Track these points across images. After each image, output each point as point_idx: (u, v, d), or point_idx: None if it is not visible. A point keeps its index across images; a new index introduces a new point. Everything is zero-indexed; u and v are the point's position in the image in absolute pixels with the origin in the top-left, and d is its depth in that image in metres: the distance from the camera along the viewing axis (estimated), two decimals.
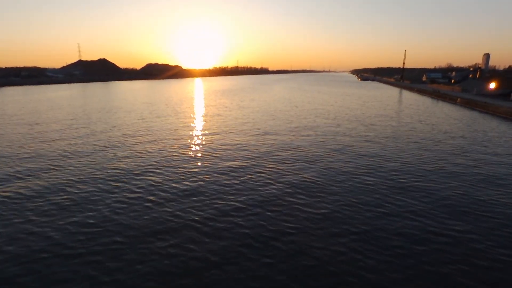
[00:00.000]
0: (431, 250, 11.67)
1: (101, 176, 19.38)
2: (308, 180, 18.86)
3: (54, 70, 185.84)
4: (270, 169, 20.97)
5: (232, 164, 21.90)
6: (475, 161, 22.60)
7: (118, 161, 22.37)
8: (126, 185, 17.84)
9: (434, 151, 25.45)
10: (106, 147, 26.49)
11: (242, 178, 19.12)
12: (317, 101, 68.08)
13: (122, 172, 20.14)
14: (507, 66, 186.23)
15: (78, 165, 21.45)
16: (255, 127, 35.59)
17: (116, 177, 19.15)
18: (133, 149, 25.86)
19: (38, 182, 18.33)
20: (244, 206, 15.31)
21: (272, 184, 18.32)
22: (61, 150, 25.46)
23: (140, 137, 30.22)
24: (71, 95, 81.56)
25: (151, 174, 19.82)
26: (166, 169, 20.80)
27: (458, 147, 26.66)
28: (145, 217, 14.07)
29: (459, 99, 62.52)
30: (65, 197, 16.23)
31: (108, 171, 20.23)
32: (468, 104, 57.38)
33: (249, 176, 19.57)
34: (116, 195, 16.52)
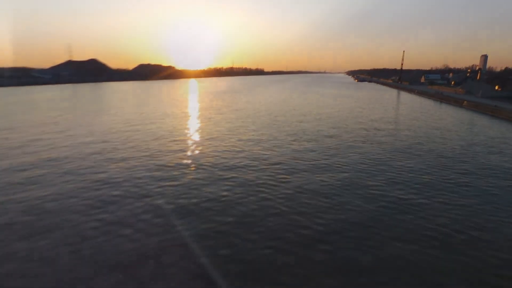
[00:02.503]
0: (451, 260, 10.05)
1: (77, 190, 15.57)
2: (310, 189, 15.63)
3: (41, 71, 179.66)
4: (268, 177, 18.07)
5: (225, 173, 18.39)
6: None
7: (97, 171, 18.53)
8: (108, 196, 14.04)
9: (456, 161, 22.08)
10: (85, 155, 22.59)
11: (236, 189, 16.16)
12: (316, 103, 64.72)
13: (103, 183, 16.36)
14: (503, 68, 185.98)
15: (50, 177, 17.56)
16: (249, 132, 31.91)
17: (96, 189, 15.60)
18: (115, 157, 21.99)
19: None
20: (239, 218, 12.25)
21: (269, 194, 16.10)
22: (31, 161, 21.51)
23: (125, 144, 26.30)
24: (53, 96, 77.01)
25: (138, 181, 16.39)
26: (151, 177, 17.14)
27: (487, 160, 23.34)
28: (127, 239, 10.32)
29: (465, 102, 59.67)
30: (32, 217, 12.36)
31: (87, 182, 16.40)
32: (477, 108, 54.46)
33: (243, 187, 16.58)
34: (93, 207, 12.72)
